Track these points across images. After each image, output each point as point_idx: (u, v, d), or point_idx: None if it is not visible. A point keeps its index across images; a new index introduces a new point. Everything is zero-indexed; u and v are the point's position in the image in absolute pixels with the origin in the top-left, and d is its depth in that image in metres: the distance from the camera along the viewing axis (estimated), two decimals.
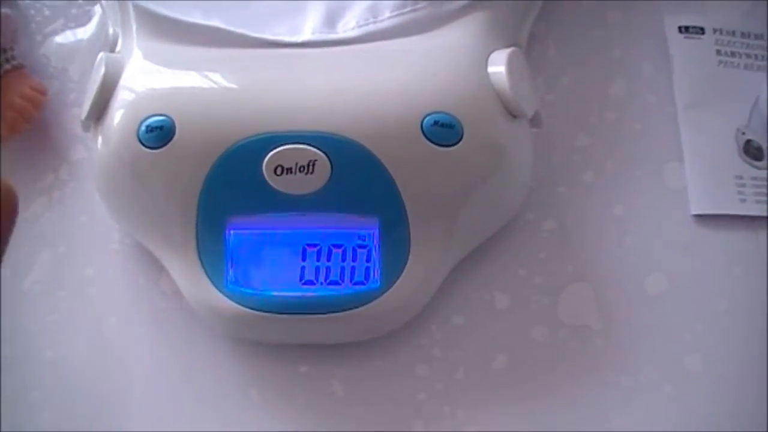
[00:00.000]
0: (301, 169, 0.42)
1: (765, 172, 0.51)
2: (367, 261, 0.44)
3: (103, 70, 0.45)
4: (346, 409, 0.47)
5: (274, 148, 0.42)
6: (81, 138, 0.53)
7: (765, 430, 0.45)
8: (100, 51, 0.48)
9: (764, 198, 0.50)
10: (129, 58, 0.46)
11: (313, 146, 0.42)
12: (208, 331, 0.48)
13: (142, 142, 0.43)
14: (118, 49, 0.48)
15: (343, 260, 0.44)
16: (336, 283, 0.44)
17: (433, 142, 0.43)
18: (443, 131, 0.43)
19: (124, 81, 0.45)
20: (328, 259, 0.44)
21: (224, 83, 0.44)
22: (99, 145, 0.45)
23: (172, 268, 0.46)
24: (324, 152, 0.42)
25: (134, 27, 0.48)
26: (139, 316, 0.49)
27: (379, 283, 0.44)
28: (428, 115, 0.43)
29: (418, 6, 0.47)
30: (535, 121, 0.47)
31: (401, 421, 0.46)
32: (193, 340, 0.48)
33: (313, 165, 0.42)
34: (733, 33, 0.54)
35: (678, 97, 0.53)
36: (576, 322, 0.48)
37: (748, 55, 0.54)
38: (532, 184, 0.50)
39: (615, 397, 0.47)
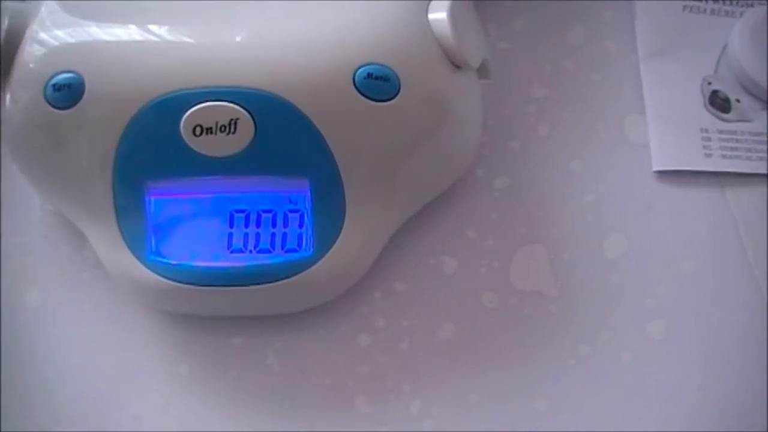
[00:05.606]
0: (222, 128, 0.39)
1: (732, 124, 0.48)
2: (300, 226, 0.41)
3: (6, 22, 0.41)
4: (283, 384, 0.44)
5: (192, 106, 0.39)
6: None
7: (733, 401, 0.44)
8: None
9: (731, 152, 0.47)
10: (37, 8, 0.42)
11: (233, 103, 0.39)
12: (135, 302, 0.45)
13: (49, 102, 0.40)
14: None
15: (274, 226, 0.42)
16: (266, 251, 0.41)
17: (367, 97, 0.39)
18: (378, 84, 0.39)
19: (30, 33, 0.41)
20: (258, 225, 0.42)
21: (137, 35, 0.40)
22: (6, 104, 0.42)
23: (92, 239, 0.43)
24: (246, 110, 0.39)
25: None
26: (63, 287, 0.47)
27: (312, 250, 0.41)
28: (361, 66, 0.39)
29: None
30: (483, 71, 0.44)
31: (342, 396, 0.44)
32: (120, 312, 0.46)
33: (235, 124, 0.39)
34: None
35: (640, 45, 0.50)
36: (529, 287, 0.46)
37: (715, 0, 0.51)
38: (483, 139, 0.47)
39: (571, 367, 0.44)
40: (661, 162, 0.47)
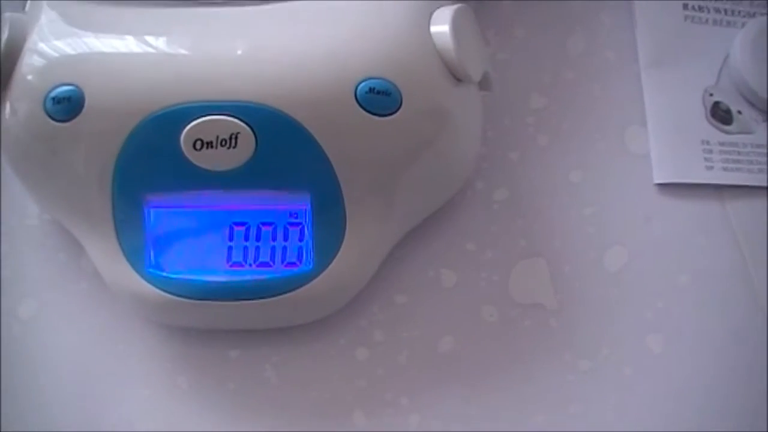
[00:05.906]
0: (223, 142, 0.39)
1: (733, 136, 0.47)
2: (300, 240, 0.41)
3: (6, 33, 0.41)
4: (280, 397, 0.44)
5: (192, 120, 0.38)
6: None
7: (733, 413, 0.44)
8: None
9: (732, 165, 0.47)
10: (37, 19, 0.42)
11: (234, 117, 0.38)
12: (134, 314, 0.45)
13: (49, 115, 0.40)
14: (27, 9, 0.44)
15: (274, 239, 0.41)
16: (266, 264, 0.41)
17: (368, 111, 0.39)
18: (380, 99, 0.39)
19: (29, 45, 0.41)
20: (258, 239, 0.41)
21: (137, 48, 0.40)
22: (6, 115, 0.41)
23: (90, 250, 0.43)
24: (247, 124, 0.39)
25: None
26: (60, 296, 0.46)
27: (312, 264, 0.41)
28: (362, 81, 0.39)
29: None
30: (484, 83, 0.44)
31: (340, 410, 0.44)
32: (118, 323, 0.45)
33: (236, 138, 0.39)
34: None
35: (641, 55, 0.50)
36: (529, 300, 0.45)
37: (717, 10, 0.50)
38: (481, 150, 0.47)
39: (571, 381, 0.44)
40: (662, 175, 0.47)
